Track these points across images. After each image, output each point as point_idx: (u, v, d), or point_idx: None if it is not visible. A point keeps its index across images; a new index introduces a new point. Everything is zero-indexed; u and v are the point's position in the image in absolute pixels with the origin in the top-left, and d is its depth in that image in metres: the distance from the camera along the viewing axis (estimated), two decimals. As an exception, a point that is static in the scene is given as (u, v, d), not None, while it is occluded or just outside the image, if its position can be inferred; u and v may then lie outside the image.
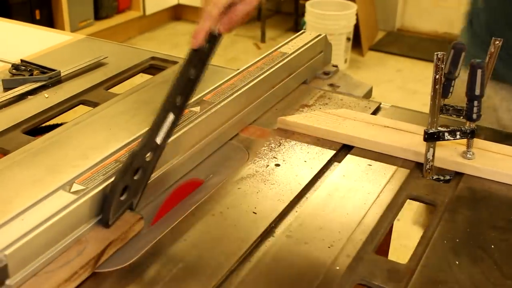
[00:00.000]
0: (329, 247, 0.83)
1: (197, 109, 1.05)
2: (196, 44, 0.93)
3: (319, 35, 1.41)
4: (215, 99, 1.09)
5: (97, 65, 1.41)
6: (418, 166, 1.03)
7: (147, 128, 0.88)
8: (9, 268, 0.70)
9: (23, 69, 1.34)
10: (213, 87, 1.14)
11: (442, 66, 0.94)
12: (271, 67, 1.23)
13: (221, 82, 1.16)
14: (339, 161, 1.05)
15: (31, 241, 0.73)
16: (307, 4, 4.15)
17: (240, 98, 1.13)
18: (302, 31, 1.44)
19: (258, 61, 1.26)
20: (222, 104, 1.08)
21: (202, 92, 1.10)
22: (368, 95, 1.30)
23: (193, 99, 1.08)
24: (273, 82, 1.23)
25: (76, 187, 0.82)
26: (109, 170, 0.87)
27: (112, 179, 0.83)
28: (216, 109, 1.06)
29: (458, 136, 0.99)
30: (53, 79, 1.32)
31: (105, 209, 0.82)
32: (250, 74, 1.20)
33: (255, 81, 1.17)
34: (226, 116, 1.10)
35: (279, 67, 1.24)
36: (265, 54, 1.29)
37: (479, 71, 0.95)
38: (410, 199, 0.96)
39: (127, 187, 0.84)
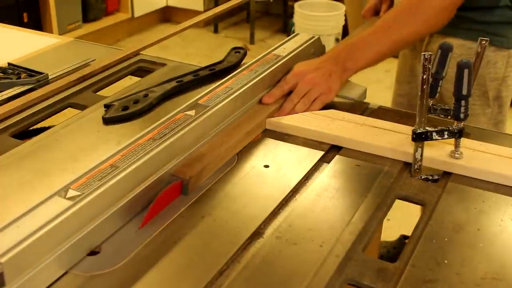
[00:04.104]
0: (318, 248, 0.83)
1: (192, 112, 1.05)
2: (266, 102, 1.19)
3: (313, 37, 1.41)
4: (210, 102, 1.08)
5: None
6: (407, 166, 1.03)
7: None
8: (5, 276, 0.70)
9: (11, 73, 1.34)
10: (208, 90, 1.13)
11: (430, 66, 0.94)
12: (265, 70, 1.23)
13: (216, 84, 1.16)
14: (328, 162, 1.05)
15: (27, 249, 0.72)
16: (296, 6, 4.15)
17: (235, 101, 1.13)
18: (296, 33, 1.44)
19: (252, 63, 1.26)
20: (217, 107, 1.08)
21: (197, 95, 1.10)
22: (362, 96, 1.30)
23: (188, 102, 1.08)
24: (268, 84, 1.23)
25: (71, 192, 0.82)
26: (105, 175, 0.86)
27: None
28: (211, 112, 1.06)
29: (446, 136, 1.00)
30: (41, 82, 1.31)
31: None
32: (244, 77, 1.19)
33: (250, 83, 1.17)
34: (222, 119, 1.09)
35: (273, 70, 1.24)
36: (259, 57, 1.29)
37: (465, 71, 0.95)
38: (399, 199, 0.97)
39: None
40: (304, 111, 1.18)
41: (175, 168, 0.96)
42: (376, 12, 1.61)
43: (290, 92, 1.21)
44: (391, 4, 1.59)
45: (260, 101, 1.20)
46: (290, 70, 1.26)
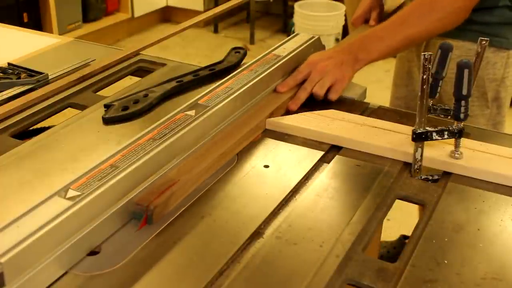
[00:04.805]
0: (318, 248, 0.83)
1: (192, 112, 1.05)
2: (280, 91, 1.23)
3: (313, 37, 1.41)
4: (210, 102, 1.08)
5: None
6: (407, 166, 1.03)
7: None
8: (5, 276, 0.70)
9: (11, 73, 1.34)
10: (208, 90, 1.13)
11: (430, 66, 0.94)
12: (265, 70, 1.23)
13: (216, 84, 1.16)
14: (328, 162, 1.05)
15: (27, 249, 0.72)
16: (296, 6, 4.16)
17: (235, 101, 1.13)
18: (296, 33, 1.44)
19: (252, 63, 1.26)
20: (218, 107, 1.08)
21: (197, 95, 1.10)
22: (362, 96, 1.30)
23: (188, 103, 1.08)
24: (268, 84, 1.23)
25: (71, 193, 0.82)
26: (105, 175, 0.86)
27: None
28: (211, 112, 1.06)
29: (446, 136, 1.00)
30: (41, 83, 1.31)
31: None
32: (244, 77, 1.19)
33: (250, 83, 1.17)
34: (222, 119, 1.09)
35: (273, 70, 1.24)
36: (259, 57, 1.29)
37: (466, 71, 0.95)
38: (399, 199, 0.97)
39: None
40: (321, 97, 1.22)
41: (140, 196, 0.89)
42: (366, 20, 1.61)
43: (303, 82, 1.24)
44: (380, 12, 1.59)
45: (274, 90, 1.23)
46: (291, 70, 1.27)
